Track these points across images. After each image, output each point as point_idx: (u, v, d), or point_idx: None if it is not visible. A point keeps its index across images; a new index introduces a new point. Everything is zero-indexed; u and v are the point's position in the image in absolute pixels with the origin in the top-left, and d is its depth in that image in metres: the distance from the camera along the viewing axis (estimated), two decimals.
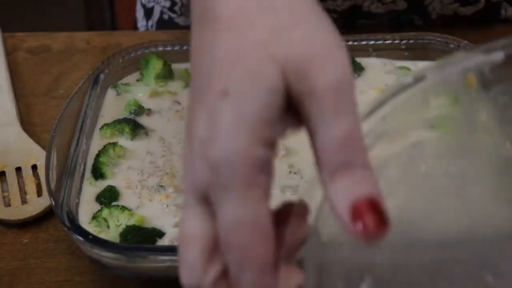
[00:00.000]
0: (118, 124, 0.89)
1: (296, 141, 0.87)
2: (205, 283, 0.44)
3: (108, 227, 0.76)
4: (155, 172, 0.83)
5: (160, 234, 0.75)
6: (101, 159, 0.83)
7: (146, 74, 0.98)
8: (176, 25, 1.24)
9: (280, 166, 0.84)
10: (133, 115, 0.92)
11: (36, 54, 1.13)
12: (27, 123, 0.99)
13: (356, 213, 0.40)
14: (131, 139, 0.88)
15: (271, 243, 0.42)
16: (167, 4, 1.23)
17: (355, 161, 0.41)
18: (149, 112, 0.93)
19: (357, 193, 0.40)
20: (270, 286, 0.43)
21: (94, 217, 0.77)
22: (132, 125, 0.89)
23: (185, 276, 0.46)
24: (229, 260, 0.43)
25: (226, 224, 0.42)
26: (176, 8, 1.23)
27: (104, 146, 0.85)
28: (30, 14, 2.33)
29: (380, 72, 0.99)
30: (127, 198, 0.80)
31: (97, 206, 0.79)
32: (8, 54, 1.13)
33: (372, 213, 0.40)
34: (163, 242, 0.75)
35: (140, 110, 0.92)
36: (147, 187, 0.81)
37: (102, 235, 0.75)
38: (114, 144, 0.85)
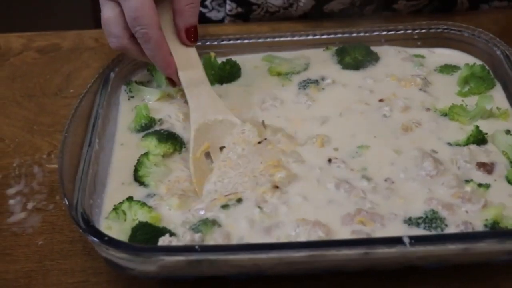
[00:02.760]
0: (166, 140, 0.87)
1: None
2: (124, 42, 0.86)
3: (125, 219, 0.76)
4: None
5: (170, 234, 0.75)
6: (139, 173, 0.83)
7: (156, 74, 0.97)
8: (208, 19, 1.22)
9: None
10: (144, 129, 0.90)
11: (46, 53, 1.13)
12: (38, 123, 0.99)
13: (187, 30, 0.88)
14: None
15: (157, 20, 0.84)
16: None
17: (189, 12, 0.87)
18: (161, 122, 0.91)
19: (189, 22, 0.88)
20: (164, 53, 0.87)
21: (115, 208, 0.77)
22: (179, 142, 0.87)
23: (113, 42, 0.88)
24: (136, 32, 0.84)
25: (130, 10, 0.83)
26: (207, 3, 1.22)
27: (138, 160, 0.84)
28: (38, 13, 2.32)
29: (396, 60, 0.98)
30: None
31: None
32: (18, 54, 1.12)
33: (193, 31, 0.88)
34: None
35: (150, 122, 0.90)
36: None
37: (116, 226, 0.75)
38: (147, 155, 0.84)
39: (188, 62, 0.89)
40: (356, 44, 0.98)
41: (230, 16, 1.19)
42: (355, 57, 0.97)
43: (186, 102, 0.92)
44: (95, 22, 2.10)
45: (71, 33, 1.17)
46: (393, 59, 0.98)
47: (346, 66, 0.97)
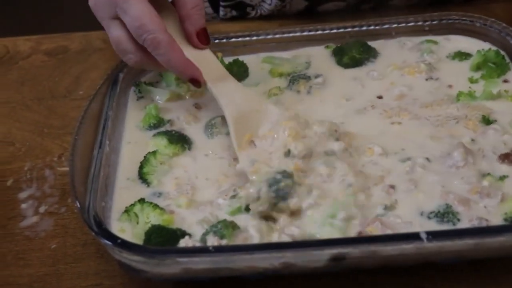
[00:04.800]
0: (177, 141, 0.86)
1: None
2: (140, 55, 0.84)
3: (137, 222, 0.75)
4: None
5: (184, 235, 0.74)
6: (144, 170, 0.82)
7: (165, 74, 0.96)
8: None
9: None
10: (152, 128, 0.89)
11: (54, 56, 1.12)
12: (49, 126, 0.98)
13: (198, 33, 0.87)
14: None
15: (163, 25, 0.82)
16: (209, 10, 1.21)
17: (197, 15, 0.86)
18: (171, 123, 0.90)
19: (198, 25, 0.87)
20: (179, 54, 0.83)
21: (126, 210, 0.77)
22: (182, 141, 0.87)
23: (130, 59, 0.85)
24: (144, 41, 0.81)
25: (133, 20, 0.81)
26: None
27: (145, 157, 0.83)
28: (45, 16, 2.32)
29: (400, 51, 0.97)
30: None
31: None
32: (26, 57, 1.12)
33: (204, 33, 0.87)
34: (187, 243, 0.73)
35: (159, 123, 0.90)
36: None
37: (129, 230, 0.75)
38: (155, 153, 0.84)
39: (207, 63, 0.87)
40: (353, 41, 0.97)
41: (225, 20, 1.18)
42: (352, 56, 0.96)
43: (196, 106, 0.92)
44: None
45: (79, 34, 1.17)
46: (395, 51, 0.97)
47: (345, 66, 0.96)
